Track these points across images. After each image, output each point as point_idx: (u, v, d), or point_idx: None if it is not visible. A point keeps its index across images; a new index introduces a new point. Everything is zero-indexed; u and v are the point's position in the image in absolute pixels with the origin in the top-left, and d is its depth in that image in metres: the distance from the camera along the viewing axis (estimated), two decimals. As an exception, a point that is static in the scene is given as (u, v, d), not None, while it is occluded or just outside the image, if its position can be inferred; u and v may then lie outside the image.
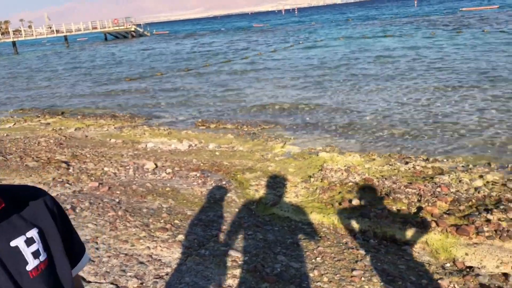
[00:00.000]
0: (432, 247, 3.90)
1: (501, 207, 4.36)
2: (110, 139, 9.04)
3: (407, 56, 18.15)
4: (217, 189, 5.78)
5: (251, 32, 54.05)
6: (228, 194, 5.56)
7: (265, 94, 13.33)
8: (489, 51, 17.07)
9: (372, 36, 30.47)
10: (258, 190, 5.59)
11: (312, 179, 5.80)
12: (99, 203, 5.18)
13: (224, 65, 22.00)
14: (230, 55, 26.71)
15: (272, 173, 6.29)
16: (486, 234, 3.89)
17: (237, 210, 5.05)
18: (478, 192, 4.85)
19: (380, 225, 4.26)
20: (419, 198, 4.72)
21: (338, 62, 18.71)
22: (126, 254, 3.94)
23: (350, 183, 5.44)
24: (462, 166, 6.28)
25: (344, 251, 3.92)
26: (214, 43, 39.38)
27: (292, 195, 5.34)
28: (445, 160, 6.62)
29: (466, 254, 3.72)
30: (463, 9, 53.97)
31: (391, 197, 4.80)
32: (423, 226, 4.11)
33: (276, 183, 5.82)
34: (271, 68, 19.17)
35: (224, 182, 6.03)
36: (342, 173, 5.82)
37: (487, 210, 4.32)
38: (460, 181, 5.28)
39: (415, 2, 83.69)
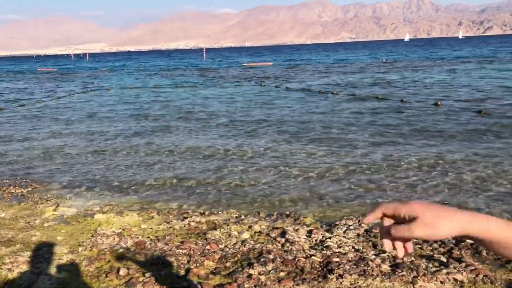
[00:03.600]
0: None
1: (262, 259, 4.63)
2: None
3: (199, 106, 18.98)
4: (-41, 272, 4.78)
5: (34, 77, 49.77)
6: (-26, 278, 4.64)
7: (40, 147, 12.11)
8: (266, 104, 19.08)
9: (161, 86, 31.19)
10: (12, 268, 4.82)
11: (80, 248, 5.29)
12: None
13: (-5, 114, 19.45)
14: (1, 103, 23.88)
15: (36, 244, 5.55)
16: (247, 290, 4.04)
17: (-19, 298, 4.23)
18: (244, 246, 5.09)
19: (146, 295, 4.05)
20: (189, 259, 4.70)
21: (124, 112, 18.40)
22: None
23: (121, 249, 5.13)
24: (236, 217, 6.59)
25: (105, 332, 3.57)
26: (-13, 88, 34.82)
27: (54, 270, 4.75)
28: (220, 212, 6.86)
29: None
30: (245, 64, 59.92)
31: (161, 261, 4.67)
32: (189, 291, 4.05)
33: (38, 257, 5.12)
34: (53, 117, 17.70)
35: (-29, 262, 5.04)
36: (114, 238, 5.47)
37: (250, 265, 4.53)
38: (229, 235, 5.49)
39: (204, 55, 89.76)
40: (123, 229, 5.89)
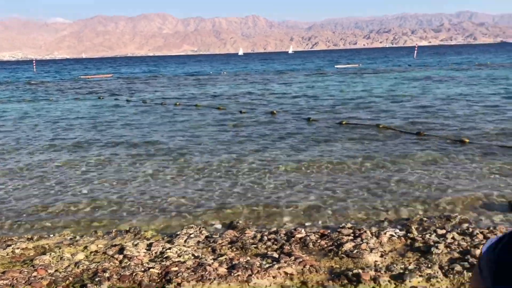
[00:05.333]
0: None
1: (97, 279, 4.37)
2: None
3: (24, 126, 17.22)
4: None
5: None
6: None
7: None
8: (102, 117, 18.21)
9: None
10: None
11: None
12: None
13: None
14: None
15: None
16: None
17: None
18: (78, 267, 4.75)
19: None
20: (11, 290, 4.21)
21: None
22: None
23: None
24: (70, 239, 6.13)
25: None
26: None
27: None
28: (52, 236, 6.32)
29: None
30: (83, 76, 56.60)
31: (-25, 298, 4.10)
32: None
33: None
34: None
35: None
36: None
37: (83, 286, 4.24)
38: (61, 258, 5.07)
39: (34, 67, 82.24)
40: None
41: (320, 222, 6.73)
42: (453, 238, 5.21)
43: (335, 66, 61.53)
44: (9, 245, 5.74)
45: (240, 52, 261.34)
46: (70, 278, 4.49)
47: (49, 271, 4.67)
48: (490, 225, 5.98)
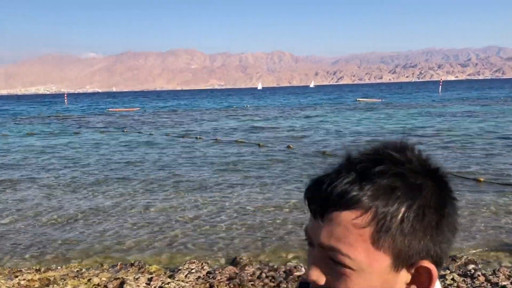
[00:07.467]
0: None
1: (92, 313, 4.48)
2: None
3: (47, 155, 17.78)
4: None
5: None
6: None
7: None
8: (122, 151, 18.66)
9: (8, 135, 28.74)
10: None
11: None
12: None
13: None
14: None
15: None
16: None
17: None
18: (76, 300, 4.87)
19: None
20: (10, 321, 4.35)
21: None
22: None
23: None
24: (76, 271, 6.27)
25: None
26: None
27: None
28: (59, 267, 6.48)
29: None
30: (110, 109, 58.17)
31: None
32: None
33: None
34: None
35: None
36: None
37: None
38: (63, 290, 5.21)
39: (66, 100, 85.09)
40: None
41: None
42: (453, 279, 5.13)
43: (357, 100, 61.66)
44: (17, 276, 5.92)
45: (259, 87, 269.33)
46: (67, 311, 4.60)
47: (48, 303, 4.80)
48: (496, 268, 5.85)
